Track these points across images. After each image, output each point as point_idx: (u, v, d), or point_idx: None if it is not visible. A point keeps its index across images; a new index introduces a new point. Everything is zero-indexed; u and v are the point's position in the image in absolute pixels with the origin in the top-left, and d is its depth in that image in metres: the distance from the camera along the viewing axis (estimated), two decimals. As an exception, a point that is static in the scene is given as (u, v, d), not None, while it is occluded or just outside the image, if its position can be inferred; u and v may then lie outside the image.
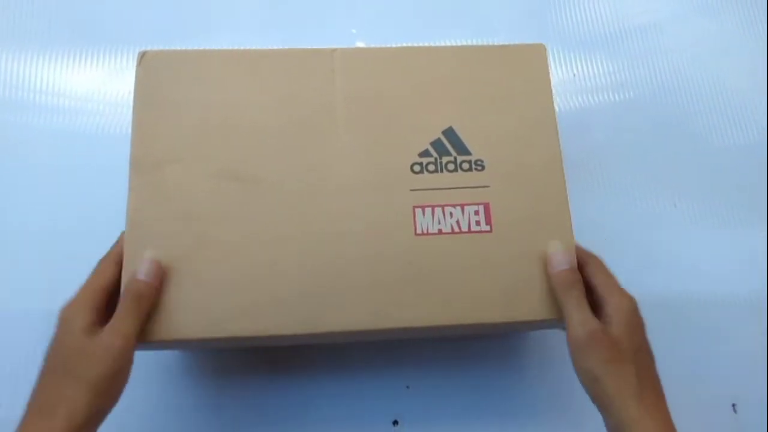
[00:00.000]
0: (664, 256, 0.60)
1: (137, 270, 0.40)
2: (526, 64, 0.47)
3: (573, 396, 0.52)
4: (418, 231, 0.43)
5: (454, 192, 0.44)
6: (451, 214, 0.43)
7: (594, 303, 0.41)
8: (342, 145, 0.44)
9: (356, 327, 0.41)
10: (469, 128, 0.45)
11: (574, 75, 0.67)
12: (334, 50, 0.46)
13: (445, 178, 0.44)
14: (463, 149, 0.45)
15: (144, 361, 0.47)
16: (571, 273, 0.41)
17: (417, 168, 0.44)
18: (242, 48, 0.47)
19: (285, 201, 0.43)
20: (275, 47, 0.47)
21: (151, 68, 0.45)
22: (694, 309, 0.58)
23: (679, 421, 0.51)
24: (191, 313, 0.40)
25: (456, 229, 0.43)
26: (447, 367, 0.55)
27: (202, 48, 0.47)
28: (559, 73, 0.67)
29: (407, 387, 0.54)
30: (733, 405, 0.55)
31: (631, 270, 0.58)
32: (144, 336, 0.40)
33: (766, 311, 0.59)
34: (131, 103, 0.44)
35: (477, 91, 0.46)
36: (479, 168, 0.44)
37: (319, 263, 0.42)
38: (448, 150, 0.45)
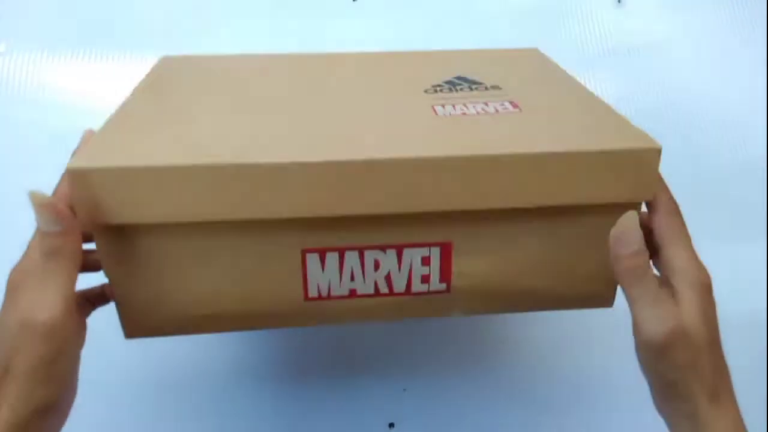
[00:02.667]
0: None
1: (37, 220, 0.31)
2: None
3: (573, 398, 0.55)
4: (440, 115, 0.38)
5: (475, 97, 0.41)
6: (474, 105, 0.39)
7: (653, 257, 0.34)
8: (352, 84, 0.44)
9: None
10: None
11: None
12: (338, 55, 0.50)
13: (463, 95, 0.41)
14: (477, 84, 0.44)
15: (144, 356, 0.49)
16: (641, 257, 0.32)
17: (431, 90, 0.42)
18: (247, 53, 0.49)
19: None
20: (280, 53, 0.50)
21: (162, 72, 0.46)
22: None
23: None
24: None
25: (481, 111, 0.38)
26: (443, 370, 0.55)
27: (208, 53, 0.49)
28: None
29: (404, 390, 0.54)
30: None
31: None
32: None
33: (766, 323, 0.58)
34: None
35: None
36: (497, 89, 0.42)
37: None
38: (463, 84, 0.44)
